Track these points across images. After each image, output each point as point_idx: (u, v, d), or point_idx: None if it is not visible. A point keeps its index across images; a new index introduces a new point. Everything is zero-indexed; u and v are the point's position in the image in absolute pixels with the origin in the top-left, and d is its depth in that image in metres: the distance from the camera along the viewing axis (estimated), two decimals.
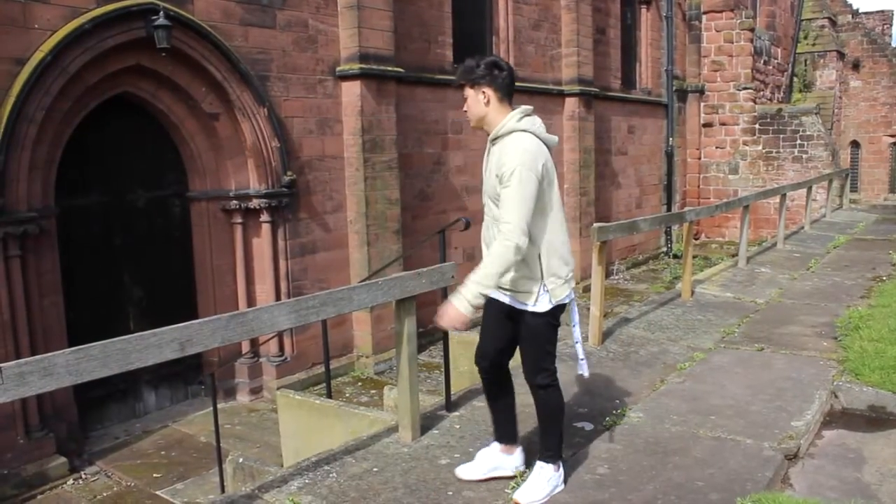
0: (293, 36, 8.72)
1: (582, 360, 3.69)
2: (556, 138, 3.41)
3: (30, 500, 6.42)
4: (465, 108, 3.40)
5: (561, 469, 3.55)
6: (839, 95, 24.37)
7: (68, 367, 2.55)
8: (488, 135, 3.37)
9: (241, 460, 5.47)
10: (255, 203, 8.47)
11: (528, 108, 3.34)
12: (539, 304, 3.30)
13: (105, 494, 6.55)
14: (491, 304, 3.46)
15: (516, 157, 3.16)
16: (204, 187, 8.51)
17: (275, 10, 8.50)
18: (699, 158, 18.74)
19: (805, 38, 23.62)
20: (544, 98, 13.14)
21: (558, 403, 3.47)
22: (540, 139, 3.28)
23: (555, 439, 3.50)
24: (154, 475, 6.83)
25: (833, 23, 24.62)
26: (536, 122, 3.31)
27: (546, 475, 3.47)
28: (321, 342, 7.04)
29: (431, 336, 9.70)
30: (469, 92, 3.34)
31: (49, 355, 2.53)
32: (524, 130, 3.24)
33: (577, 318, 3.56)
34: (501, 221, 3.17)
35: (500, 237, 3.14)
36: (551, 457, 3.48)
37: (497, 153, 3.28)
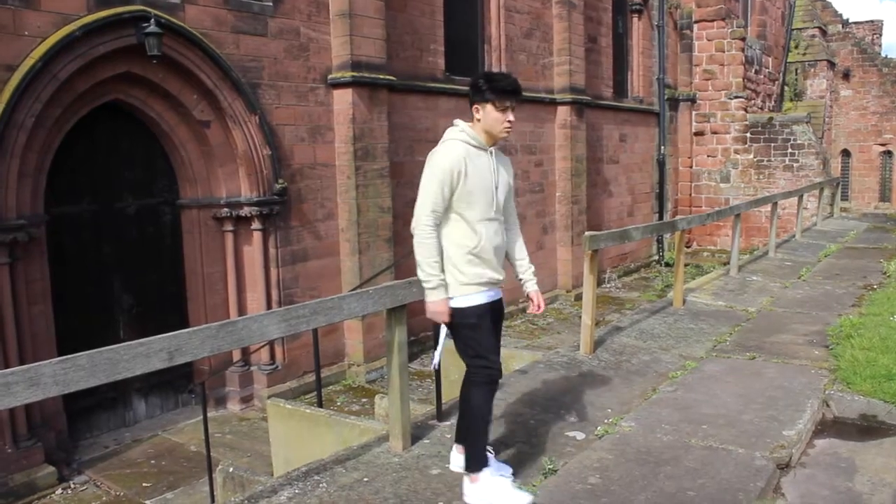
0: (285, 44, 8.71)
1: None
2: None
3: None
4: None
5: None
6: (830, 105, 24.54)
7: (55, 378, 2.51)
8: (491, 144, 3.51)
9: (231, 470, 5.43)
10: (246, 211, 8.44)
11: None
12: None
13: None
14: (493, 303, 3.51)
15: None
16: (195, 195, 8.48)
17: (266, 18, 8.49)
18: (691, 167, 18.81)
19: (796, 47, 23.81)
20: (536, 106, 13.17)
21: None
22: None
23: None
24: (143, 484, 6.78)
25: (823, 32, 24.83)
26: None
27: None
28: (312, 350, 7.01)
29: (423, 344, 9.67)
30: None
31: (35, 365, 2.50)
32: None
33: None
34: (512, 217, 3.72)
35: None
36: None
37: (504, 161, 3.63)
